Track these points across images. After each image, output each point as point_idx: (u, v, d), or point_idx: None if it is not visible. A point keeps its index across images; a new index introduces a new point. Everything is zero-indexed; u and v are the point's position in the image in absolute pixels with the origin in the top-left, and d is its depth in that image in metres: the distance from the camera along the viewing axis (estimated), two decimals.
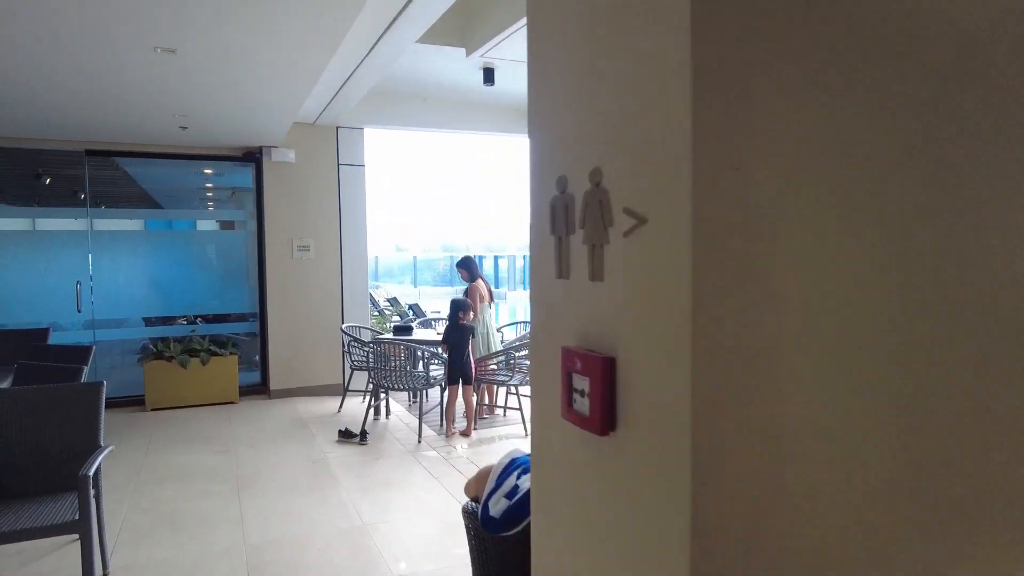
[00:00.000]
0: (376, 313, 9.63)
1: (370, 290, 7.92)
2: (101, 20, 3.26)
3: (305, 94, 4.82)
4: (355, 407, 6.46)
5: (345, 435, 5.38)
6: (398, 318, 9.67)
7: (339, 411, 6.35)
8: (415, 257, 25.26)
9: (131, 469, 4.65)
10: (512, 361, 5.81)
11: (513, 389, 5.91)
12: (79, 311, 6.55)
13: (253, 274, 7.15)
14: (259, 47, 3.69)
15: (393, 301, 9.95)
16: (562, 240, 1.02)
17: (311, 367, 7.03)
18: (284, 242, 6.90)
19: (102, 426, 3.09)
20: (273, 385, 6.91)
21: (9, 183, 6.87)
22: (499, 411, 6.21)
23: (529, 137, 1.17)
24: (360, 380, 6.54)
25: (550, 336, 1.09)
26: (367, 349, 5.67)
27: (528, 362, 5.98)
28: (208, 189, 7.88)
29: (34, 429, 3.00)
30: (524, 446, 5.55)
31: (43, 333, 5.19)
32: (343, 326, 6.47)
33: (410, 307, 9.13)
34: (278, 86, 4.53)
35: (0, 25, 3.25)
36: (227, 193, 8.01)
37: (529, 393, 6.02)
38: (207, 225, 7.76)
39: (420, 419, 5.52)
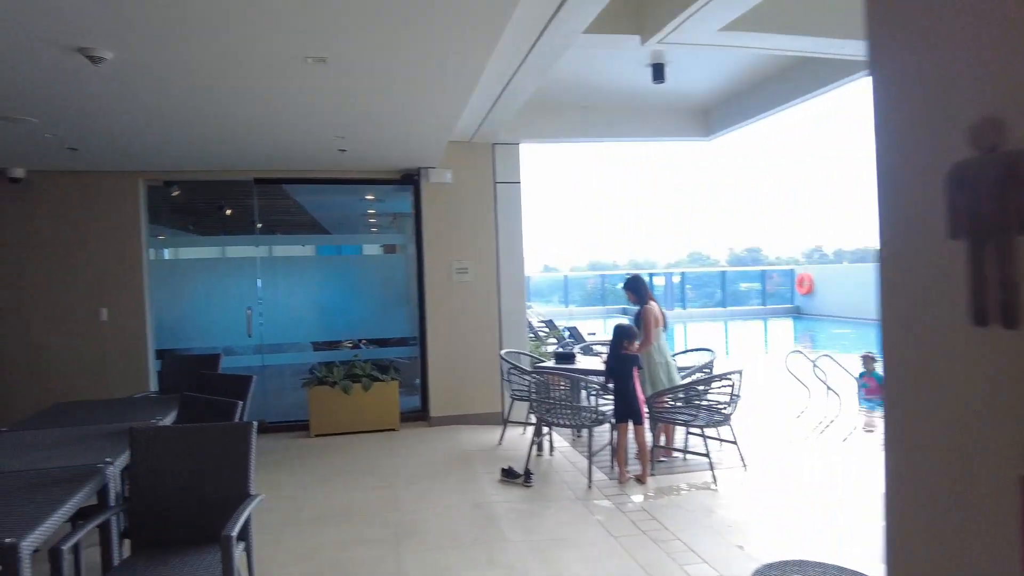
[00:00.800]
0: (531, 337, 9.20)
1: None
2: (255, 35, 3.04)
3: (462, 103, 4.44)
4: (516, 439, 5.98)
5: (508, 474, 4.88)
6: (554, 342, 9.15)
7: (500, 443, 5.89)
8: (566, 276, 24.86)
9: (292, 506, 4.45)
10: (696, 399, 5.02)
11: (698, 431, 5.11)
12: (250, 336, 6.69)
13: (413, 298, 6.96)
14: (411, 51, 3.32)
15: (549, 324, 9.47)
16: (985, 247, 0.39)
17: (470, 394, 6.67)
18: (443, 265, 6.64)
19: (252, 471, 2.77)
20: (433, 412, 6.62)
21: (194, 214, 7.28)
22: (678, 454, 5.41)
23: (874, 71, 0.55)
24: (520, 410, 6.05)
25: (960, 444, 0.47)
26: (529, 379, 5.16)
27: (718, 400, 5.21)
28: (371, 215, 7.90)
29: (184, 471, 2.75)
30: (712, 500, 4.80)
31: (215, 359, 5.23)
32: (502, 352, 6.04)
33: (568, 331, 8.58)
34: (434, 95, 4.18)
35: (176, 49, 3.14)
36: (388, 219, 7.99)
37: (726, 437, 5.26)
38: (371, 249, 7.76)
39: (590, 461, 4.88)
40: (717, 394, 5.01)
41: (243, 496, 2.73)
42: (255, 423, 2.83)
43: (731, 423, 4.98)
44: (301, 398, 6.46)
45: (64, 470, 2.70)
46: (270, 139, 5.23)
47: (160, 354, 6.46)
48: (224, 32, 3.02)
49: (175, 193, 6.78)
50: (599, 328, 13.48)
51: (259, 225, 6.77)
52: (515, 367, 5.68)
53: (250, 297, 6.72)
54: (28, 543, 1.99)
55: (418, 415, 6.86)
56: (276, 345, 6.88)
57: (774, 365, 9.92)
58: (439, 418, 6.63)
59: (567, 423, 5.10)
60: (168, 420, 3.72)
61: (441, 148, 5.83)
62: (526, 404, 5.90)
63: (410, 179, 6.72)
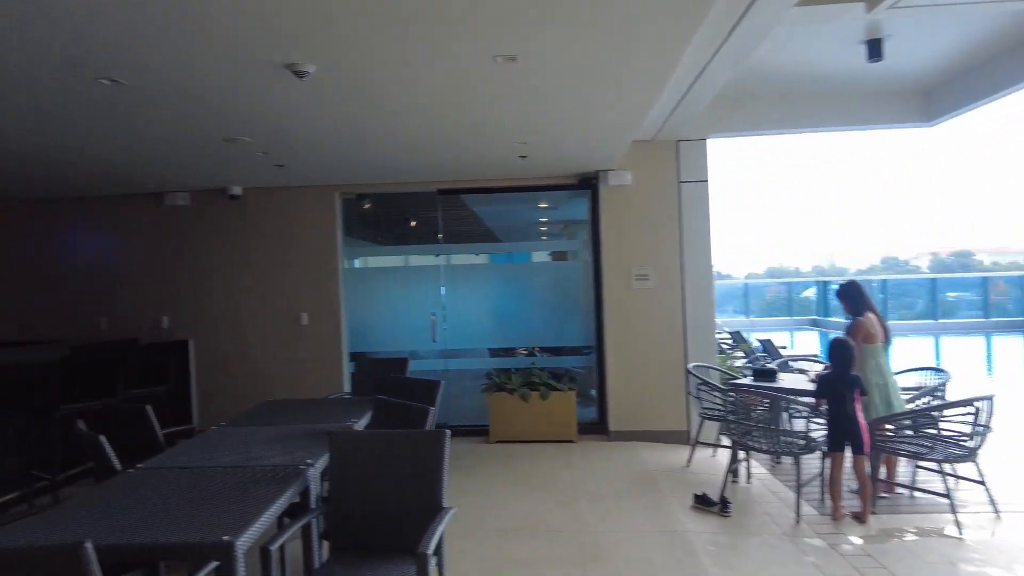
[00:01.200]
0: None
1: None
2: (447, 35, 2.98)
3: (652, 99, 4.13)
4: (706, 462, 5.50)
5: (702, 501, 4.44)
6: (741, 356, 8.43)
7: (688, 465, 5.44)
8: (745, 283, 23.27)
9: (477, 514, 4.38)
10: (928, 427, 4.25)
11: (932, 466, 4.33)
12: (434, 341, 6.86)
13: (588, 305, 6.73)
14: (604, 44, 3.08)
15: (735, 336, 8.76)
16: None
17: (653, 409, 6.29)
18: (621, 271, 6.34)
19: (445, 482, 2.67)
20: (613, 426, 6.33)
21: (384, 226, 7.65)
22: (902, 491, 4.62)
23: None
24: (710, 430, 5.57)
25: None
26: (725, 397, 4.69)
27: (957, 431, 4.37)
28: (542, 223, 7.82)
29: (379, 477, 2.71)
30: (957, 552, 3.94)
31: (403, 363, 5.37)
32: (690, 366, 5.60)
33: (761, 344, 7.84)
34: (623, 91, 3.92)
35: (371, 57, 3.19)
36: (559, 226, 7.87)
37: (969, 474, 4.39)
38: (542, 257, 7.68)
39: (798, 493, 4.30)
40: (956, 423, 4.20)
41: (436, 508, 2.64)
42: (448, 432, 2.73)
43: (976, 459, 4.14)
44: (480, 403, 6.48)
45: (270, 469, 2.78)
46: (455, 149, 5.28)
47: (353, 357, 6.83)
48: (418, 34, 2.99)
49: (367, 205, 7.16)
50: (785, 341, 12.35)
51: (440, 235, 6.94)
52: (705, 383, 5.23)
53: (434, 303, 6.89)
54: (242, 542, 2.00)
55: (595, 427, 6.59)
56: (457, 350, 7.00)
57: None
58: (619, 432, 6.31)
59: (769, 448, 4.55)
60: (362, 422, 3.79)
61: (623, 148, 5.55)
62: (717, 424, 5.43)
63: (587, 183, 6.51)
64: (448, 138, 4.94)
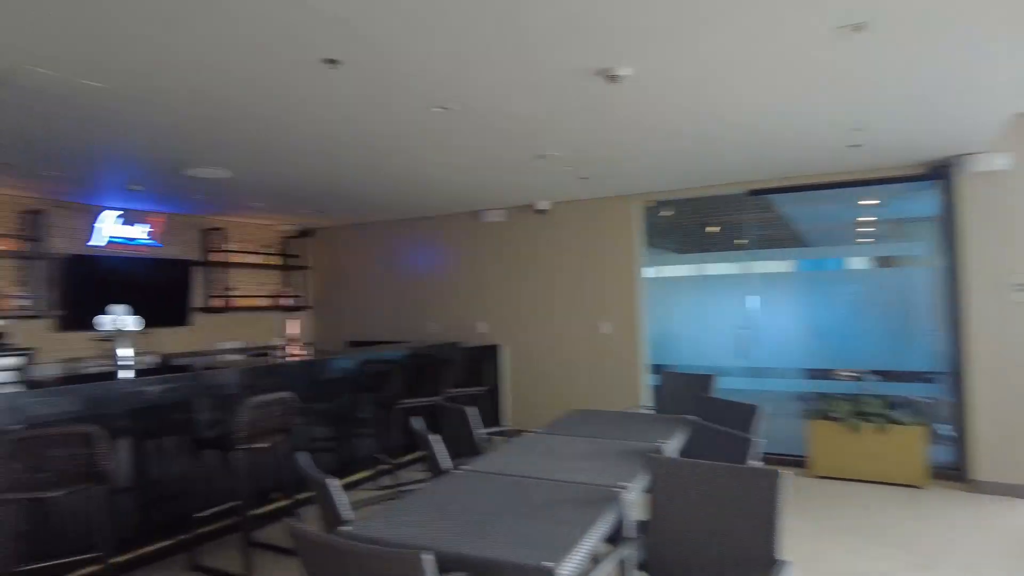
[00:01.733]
0: None
1: None
2: (777, 5, 2.59)
3: None
4: None
5: None
6: None
7: None
8: None
9: (800, 564, 3.80)
10: None
11: None
12: (739, 357, 6.32)
13: (938, 322, 5.53)
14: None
15: None
16: None
17: None
18: (992, 279, 5.07)
19: (780, 530, 2.28)
20: (977, 472, 5.09)
21: (685, 233, 7.32)
22: None
23: None
24: None
25: None
26: None
27: None
28: (865, 224, 6.66)
29: (702, 514, 2.42)
30: None
31: (708, 380, 4.99)
32: None
33: None
34: (1011, 47, 3.04)
35: (690, 49, 2.96)
36: (889, 226, 6.63)
37: None
38: (861, 263, 6.51)
39: None
40: None
41: (769, 560, 2.26)
42: (780, 472, 2.33)
43: None
44: (794, 429, 5.75)
45: (584, 488, 2.68)
46: (774, 143, 4.75)
47: (653, 369, 6.63)
48: (744, 14, 2.65)
49: (668, 213, 6.92)
50: None
51: (744, 240, 6.37)
52: None
53: (739, 315, 6.35)
54: (565, 571, 1.90)
55: (951, 473, 5.36)
56: (763, 368, 6.34)
57: None
58: (987, 484, 5.04)
59: None
60: (671, 444, 3.54)
61: (998, 124, 4.40)
62: None
63: (938, 172, 5.35)
64: (769, 132, 4.44)
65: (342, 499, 2.47)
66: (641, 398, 6.46)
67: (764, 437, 6.24)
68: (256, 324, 8.07)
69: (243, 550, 3.73)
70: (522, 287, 7.27)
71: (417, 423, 3.39)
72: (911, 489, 5.14)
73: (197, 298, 7.56)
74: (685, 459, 2.55)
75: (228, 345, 7.44)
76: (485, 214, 7.43)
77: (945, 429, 5.53)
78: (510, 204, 7.24)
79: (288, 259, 8.65)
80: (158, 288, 7.06)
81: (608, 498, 2.54)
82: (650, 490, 2.54)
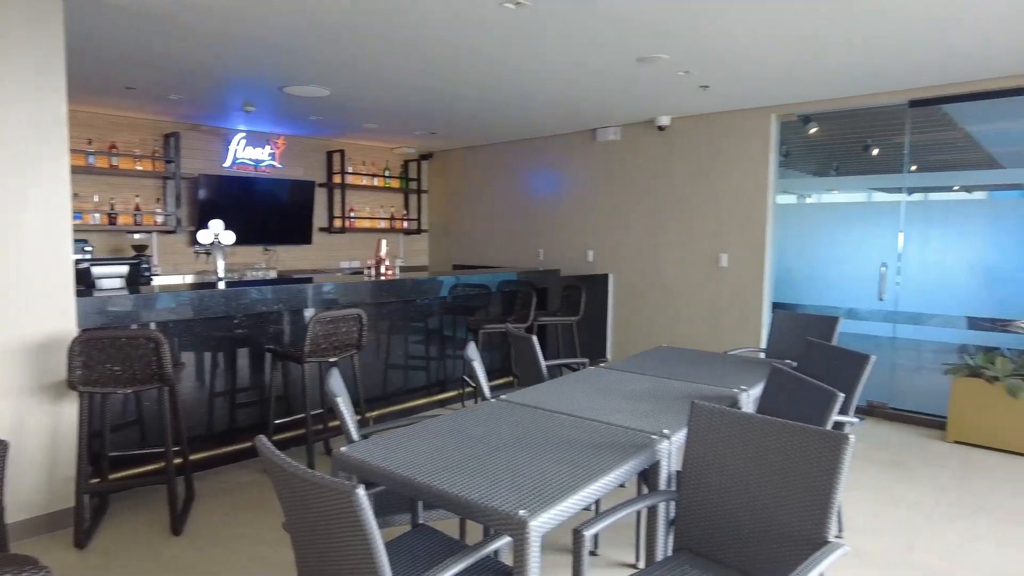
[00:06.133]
0: None
1: None
2: None
3: None
4: None
5: None
6: None
7: None
8: None
9: (904, 539, 3.24)
10: None
11: None
12: (881, 299, 5.46)
13: None
14: None
15: None
16: None
17: None
18: None
19: (834, 505, 1.85)
20: None
21: (832, 153, 6.34)
22: None
23: None
24: None
25: None
26: None
27: None
28: None
29: (745, 472, 2.04)
30: None
31: (832, 323, 4.33)
32: None
33: None
34: None
35: None
36: None
37: None
38: None
39: None
40: None
41: (817, 539, 1.85)
42: (851, 437, 1.87)
43: None
44: (941, 387, 4.92)
45: (621, 431, 2.37)
46: (939, 37, 3.83)
47: (776, 307, 5.96)
48: None
49: (812, 130, 5.99)
50: None
51: (910, 164, 5.35)
52: None
53: (888, 252, 5.44)
54: (540, 523, 1.65)
55: None
56: (914, 314, 5.43)
57: None
58: None
59: None
60: (753, 392, 3.09)
61: None
62: None
63: None
64: (932, 22, 3.57)
65: (350, 418, 2.37)
66: (760, 339, 5.85)
67: (903, 392, 5.52)
68: (375, 244, 8.32)
69: (308, 460, 3.85)
70: (636, 214, 6.77)
71: (470, 349, 3.22)
72: None
73: (320, 218, 7.89)
74: (731, 409, 2.13)
75: (346, 264, 7.74)
76: (601, 132, 6.93)
77: None
78: (627, 121, 6.68)
79: (407, 182, 8.74)
80: (283, 208, 7.44)
81: (643, 445, 2.23)
82: (689, 441, 2.18)
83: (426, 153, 8.80)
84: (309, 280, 4.76)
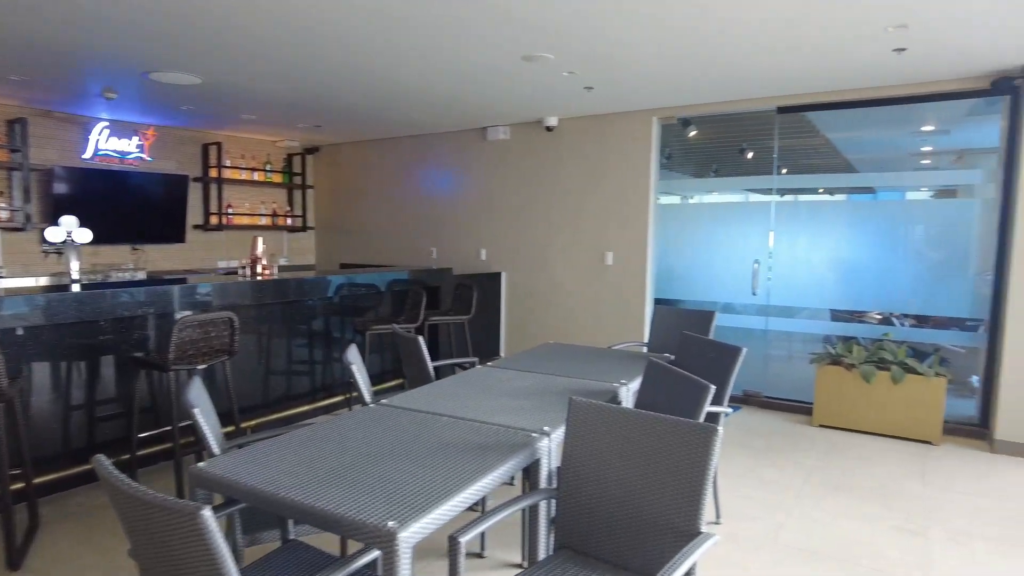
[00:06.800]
0: None
1: None
2: None
3: None
4: None
5: None
6: None
7: None
8: None
9: (773, 522, 3.44)
10: None
11: None
12: (754, 294, 5.79)
13: (982, 262, 4.88)
14: None
15: None
16: None
17: None
18: None
19: (705, 498, 1.89)
20: (1001, 432, 4.56)
21: (707, 156, 6.65)
22: None
23: None
24: None
25: None
26: None
27: None
28: (925, 153, 5.86)
29: (621, 469, 2.06)
30: None
31: (708, 317, 4.53)
32: None
33: None
34: None
35: None
36: (950, 157, 5.82)
37: None
38: (916, 194, 5.79)
39: None
40: None
41: (690, 531, 1.89)
42: (719, 429, 1.92)
43: None
44: (808, 375, 5.28)
45: (503, 430, 2.34)
46: (804, 47, 4.07)
47: (658, 304, 6.18)
48: None
49: (692, 133, 6.25)
50: None
51: (778, 167, 5.70)
52: None
53: (760, 250, 5.78)
54: (410, 534, 1.57)
55: (971, 430, 4.85)
56: (784, 308, 5.80)
57: None
58: (1009, 443, 4.51)
59: None
60: (634, 385, 3.16)
61: None
62: None
63: (1006, 85, 4.58)
64: (791, 33, 3.78)
65: (209, 430, 2.19)
66: (644, 334, 6.04)
67: (774, 381, 5.89)
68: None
69: (177, 477, 3.57)
70: (527, 213, 6.82)
71: (350, 351, 3.08)
72: (923, 445, 4.66)
73: (195, 215, 7.39)
74: (607, 404, 2.15)
75: (224, 264, 7.29)
76: (491, 131, 6.91)
77: (975, 382, 4.97)
78: (516, 120, 6.70)
79: (291, 177, 8.36)
80: (153, 204, 6.89)
81: (524, 443, 2.21)
82: (567, 437, 2.18)
83: (312, 147, 8.45)
84: (179, 281, 4.42)
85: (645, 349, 4.77)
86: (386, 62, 4.56)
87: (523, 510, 2.47)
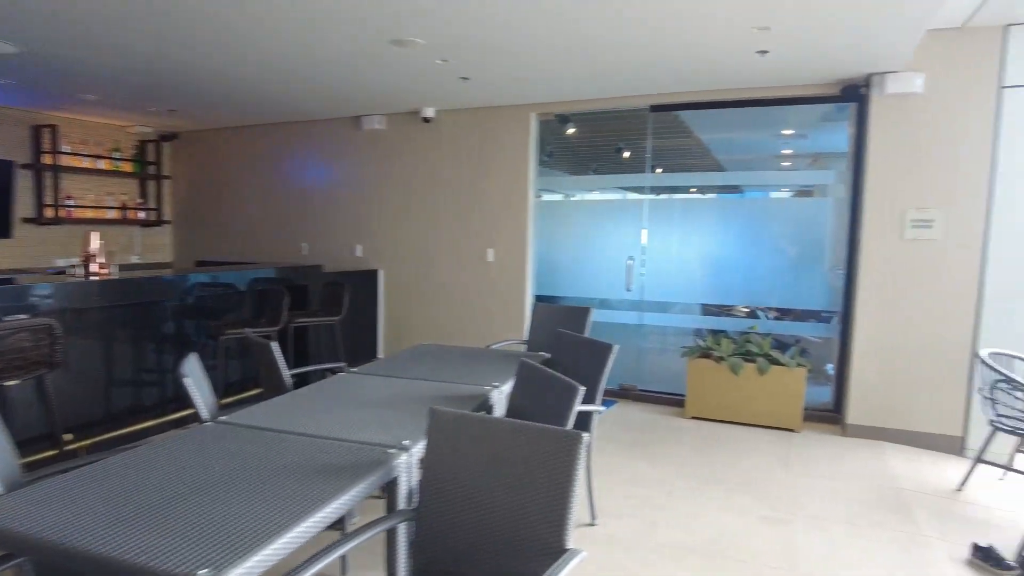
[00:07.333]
0: None
1: None
2: None
3: None
4: (990, 489, 3.90)
5: (986, 557, 3.00)
6: None
7: (960, 489, 3.90)
8: None
9: (647, 518, 3.43)
10: None
11: None
12: (628, 290, 5.87)
13: (836, 257, 5.19)
14: None
15: None
16: None
17: (914, 403, 4.69)
18: (890, 214, 4.69)
19: (571, 512, 1.77)
20: (852, 417, 4.86)
21: (585, 152, 6.68)
22: None
23: None
24: (1003, 445, 3.94)
25: None
26: None
27: None
28: (788, 156, 6.17)
29: (485, 482, 1.90)
30: None
31: (584, 313, 4.50)
32: (983, 352, 3.92)
33: None
34: None
35: None
36: (807, 160, 6.18)
37: None
38: (781, 193, 6.09)
39: None
40: None
41: (556, 547, 1.76)
42: (583, 435, 1.81)
43: None
44: (681, 368, 5.40)
45: (357, 447, 2.12)
46: (675, 45, 4.09)
47: (539, 301, 6.13)
48: None
49: (570, 130, 6.23)
50: None
51: (653, 166, 5.80)
52: (1009, 379, 3.62)
53: (633, 247, 5.86)
54: None
55: (828, 416, 5.16)
56: (658, 303, 5.92)
57: None
58: (859, 427, 4.83)
59: None
60: (508, 387, 3.03)
61: (913, 40, 3.91)
62: (1016, 440, 3.82)
63: (853, 92, 4.87)
64: (667, 29, 3.78)
65: None
66: (524, 332, 5.97)
67: (650, 374, 6.02)
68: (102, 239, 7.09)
69: None
70: (406, 207, 6.55)
71: (187, 362, 2.72)
72: (786, 432, 4.89)
73: (25, 207, 6.51)
74: (468, 413, 1.99)
75: (63, 262, 6.48)
76: (366, 120, 6.57)
77: (829, 370, 5.29)
78: (392, 110, 6.41)
79: (144, 166, 7.58)
80: None
81: (379, 461, 2.00)
82: (428, 452, 1.99)
83: (168, 133, 7.71)
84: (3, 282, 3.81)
85: (524, 347, 4.68)
86: (245, 42, 4.16)
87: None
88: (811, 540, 3.19)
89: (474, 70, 4.84)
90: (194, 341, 4.96)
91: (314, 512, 1.63)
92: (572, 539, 1.76)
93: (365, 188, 6.71)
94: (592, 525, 3.27)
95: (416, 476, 2.12)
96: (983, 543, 3.07)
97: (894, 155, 4.64)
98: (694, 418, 5.21)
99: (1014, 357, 4.14)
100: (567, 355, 3.49)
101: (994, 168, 4.36)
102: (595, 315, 4.46)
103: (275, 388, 3.17)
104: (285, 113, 6.61)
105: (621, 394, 5.85)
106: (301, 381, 3.17)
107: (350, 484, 1.81)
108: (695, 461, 4.27)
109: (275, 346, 3.12)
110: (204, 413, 2.50)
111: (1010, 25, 4.22)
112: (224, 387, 5.08)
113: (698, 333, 5.80)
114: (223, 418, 2.40)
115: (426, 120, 6.29)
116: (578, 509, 3.29)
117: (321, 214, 6.95)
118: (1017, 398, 3.68)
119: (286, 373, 3.13)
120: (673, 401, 5.58)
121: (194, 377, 2.58)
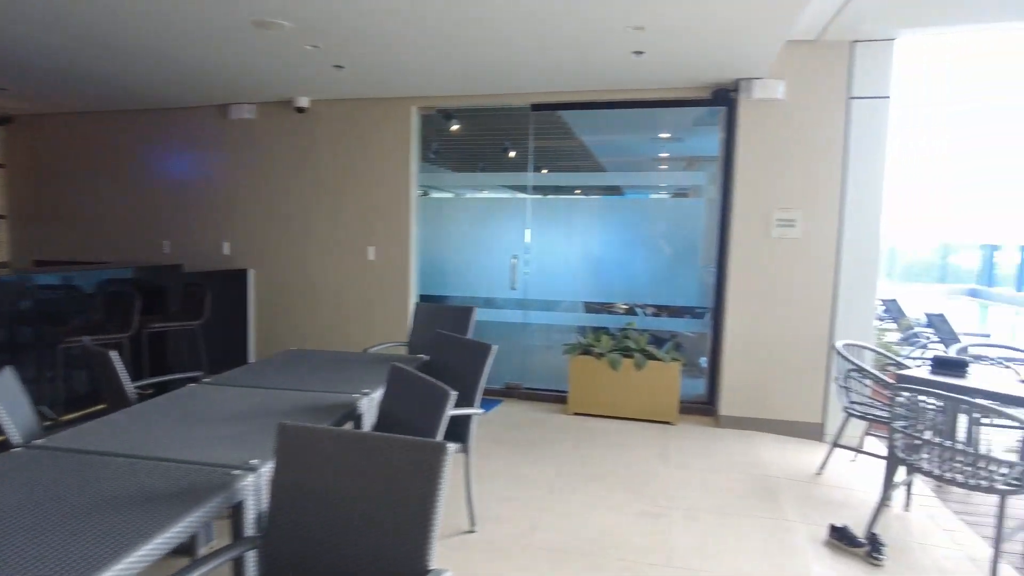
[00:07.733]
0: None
1: None
2: None
3: None
4: (844, 470, 4.18)
5: (841, 536, 3.19)
6: (897, 332, 6.77)
7: (819, 472, 4.15)
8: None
9: (527, 520, 3.38)
10: None
11: None
12: (513, 288, 5.83)
13: (708, 256, 5.40)
14: None
15: (891, 306, 7.03)
16: None
17: (780, 394, 4.96)
18: (757, 214, 4.92)
19: (435, 531, 1.64)
20: (724, 408, 5.07)
21: (466, 150, 6.57)
22: None
23: None
24: (855, 430, 4.24)
25: None
26: (891, 394, 3.31)
27: None
28: (665, 159, 6.37)
29: (340, 503, 1.73)
30: None
31: (467, 312, 4.39)
32: (839, 344, 4.19)
33: (929, 319, 6.12)
34: None
35: None
36: (682, 163, 6.42)
37: None
38: (659, 194, 6.28)
39: (997, 550, 2.93)
40: None
41: (418, 569, 1.63)
42: (452, 446, 1.69)
43: None
44: (564, 365, 5.42)
45: (194, 469, 1.89)
46: (554, 44, 4.06)
47: (422, 300, 5.97)
48: None
49: (454, 127, 6.10)
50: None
51: (537, 166, 5.79)
52: (860, 369, 3.88)
53: (517, 245, 5.82)
54: None
55: (702, 408, 5.37)
56: (542, 301, 5.92)
57: None
58: (731, 418, 5.05)
59: (955, 478, 3.15)
60: (378, 394, 2.86)
61: (774, 49, 4.11)
62: (865, 424, 4.12)
63: (723, 97, 5.07)
64: (547, 28, 3.73)
65: None
66: (407, 333, 5.78)
67: (533, 372, 6.02)
68: None
69: None
70: (279, 203, 6.16)
71: (4, 373, 2.35)
72: (663, 426, 5.03)
73: None
74: (320, 427, 1.82)
75: None
76: (235, 109, 6.12)
77: (703, 364, 5.51)
78: (262, 98, 6.01)
79: None
80: None
81: (221, 485, 1.78)
82: (276, 472, 1.80)
83: (2, 116, 6.84)
84: None
85: (406, 350, 4.51)
86: (90, 11, 3.69)
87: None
88: (686, 532, 3.26)
89: (347, 59, 4.60)
90: (30, 350, 4.39)
91: (136, 548, 1.40)
92: (448, 550, 1.64)
93: (234, 182, 6.26)
94: (471, 532, 3.16)
95: (266, 499, 1.91)
96: (839, 523, 3.25)
97: (760, 157, 4.88)
98: (576, 414, 5.25)
99: (864, 348, 4.47)
100: (446, 357, 3.37)
101: (845, 172, 4.69)
102: (481, 314, 4.38)
103: (118, 403, 2.83)
104: (144, 99, 6.03)
105: (506, 393, 5.81)
106: (157, 393, 2.85)
107: (182, 513, 1.59)
108: (576, 459, 4.28)
109: (115, 355, 2.78)
110: (14, 437, 2.16)
111: (856, 41, 4.54)
112: (66, 402, 4.54)
113: (580, 330, 5.86)
114: (39, 441, 2.07)
115: (300, 110, 5.94)
116: (457, 517, 3.20)
117: (185, 210, 6.41)
118: (866, 385, 3.96)
119: (129, 386, 2.80)
120: (557, 398, 5.60)
121: (2, 394, 2.22)
